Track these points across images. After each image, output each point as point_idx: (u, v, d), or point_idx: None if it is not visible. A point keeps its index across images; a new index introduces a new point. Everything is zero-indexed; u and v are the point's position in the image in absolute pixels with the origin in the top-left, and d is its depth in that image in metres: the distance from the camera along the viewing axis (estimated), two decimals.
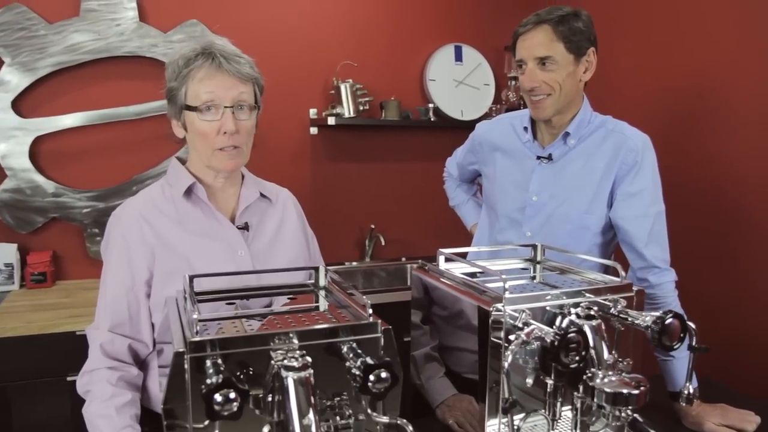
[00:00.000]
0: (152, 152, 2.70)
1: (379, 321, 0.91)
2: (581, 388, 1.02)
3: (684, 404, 1.10)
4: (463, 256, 1.37)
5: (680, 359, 1.43)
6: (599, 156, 1.52)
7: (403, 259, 3.24)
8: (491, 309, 1.00)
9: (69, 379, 2.07)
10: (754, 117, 2.02)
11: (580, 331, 0.92)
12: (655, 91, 2.41)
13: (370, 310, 0.92)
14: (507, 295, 1.01)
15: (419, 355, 1.40)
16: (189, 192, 1.34)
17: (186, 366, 0.81)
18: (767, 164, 1.99)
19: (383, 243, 3.13)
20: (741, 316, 2.07)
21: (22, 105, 2.51)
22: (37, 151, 2.55)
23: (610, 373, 0.99)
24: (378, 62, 3.12)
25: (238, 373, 0.84)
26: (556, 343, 0.89)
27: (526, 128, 1.61)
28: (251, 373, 0.85)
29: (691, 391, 1.09)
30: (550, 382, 1.07)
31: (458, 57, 3.29)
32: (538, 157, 1.57)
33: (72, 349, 2.05)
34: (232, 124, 1.27)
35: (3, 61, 2.44)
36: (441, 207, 3.32)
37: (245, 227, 1.37)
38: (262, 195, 1.44)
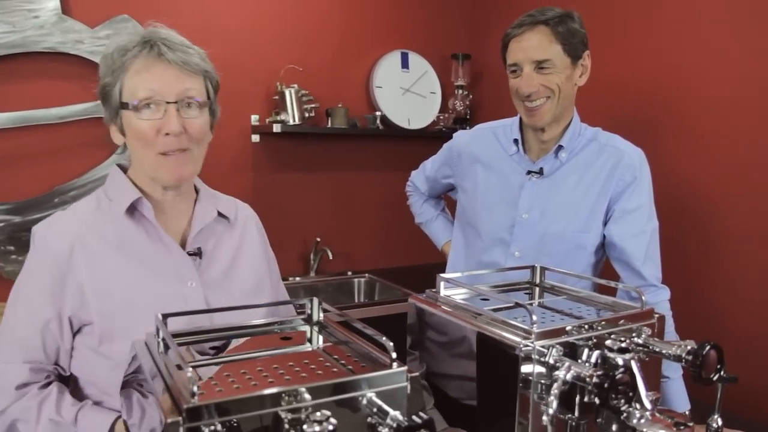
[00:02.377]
0: (76, 160, 2.42)
1: (405, 368, 0.77)
2: (615, 427, 0.92)
3: None
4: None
5: (674, 380, 1.38)
6: (594, 171, 1.45)
7: (350, 273, 3.11)
8: (520, 345, 0.88)
9: None
10: (716, 126, 2.04)
11: (629, 370, 0.82)
12: (621, 100, 2.41)
13: (394, 354, 0.78)
14: (535, 329, 0.89)
15: None
16: (132, 208, 1.13)
17: None
18: (733, 174, 2.00)
19: (330, 257, 2.97)
20: (707, 327, 2.06)
21: None
22: None
23: (647, 412, 0.90)
24: (324, 67, 2.98)
25: None
26: (606, 385, 0.79)
27: (516, 140, 1.51)
28: None
29: (720, 423, 1.02)
30: (571, 418, 0.97)
31: (405, 64, 3.21)
32: (529, 172, 1.48)
33: None
34: (176, 124, 1.07)
35: None
36: (390, 218, 3.22)
37: (197, 253, 1.17)
38: (219, 214, 1.24)
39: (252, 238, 1.31)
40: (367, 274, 3.09)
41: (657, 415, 0.92)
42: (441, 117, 3.25)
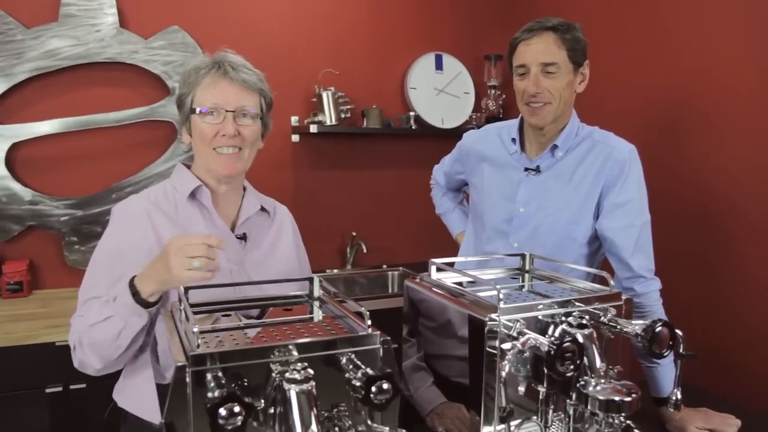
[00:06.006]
0: (132, 160, 2.67)
1: (378, 332, 0.91)
2: (574, 395, 1.04)
3: (672, 410, 1.13)
4: (452, 265, 1.38)
5: (665, 366, 1.46)
6: (585, 167, 1.54)
7: (384, 266, 3.25)
8: (486, 319, 1.01)
9: (47, 391, 2.04)
10: (736, 125, 2.07)
11: (575, 341, 0.93)
12: (638, 101, 2.46)
13: (369, 321, 0.92)
14: (502, 305, 1.02)
15: (407, 365, 1.40)
16: (192, 195, 1.36)
17: (187, 380, 0.80)
18: (748, 172, 2.04)
19: (365, 251, 3.13)
20: (722, 322, 2.12)
21: None
22: (13, 158, 2.49)
23: (602, 380, 1.01)
24: (359, 70, 3.13)
25: (235, 386, 0.84)
26: (552, 352, 0.91)
27: (514, 140, 1.62)
28: (250, 385, 0.85)
29: (679, 396, 1.11)
30: (542, 389, 1.09)
31: (439, 65, 3.33)
32: (526, 169, 1.59)
33: (50, 361, 2.02)
34: (232, 128, 1.30)
35: None
36: (422, 214, 3.35)
37: (243, 237, 1.38)
38: (262, 208, 1.46)
39: (287, 232, 1.53)
40: (401, 268, 3.23)
41: (616, 385, 1.03)
42: (474, 116, 3.36)
